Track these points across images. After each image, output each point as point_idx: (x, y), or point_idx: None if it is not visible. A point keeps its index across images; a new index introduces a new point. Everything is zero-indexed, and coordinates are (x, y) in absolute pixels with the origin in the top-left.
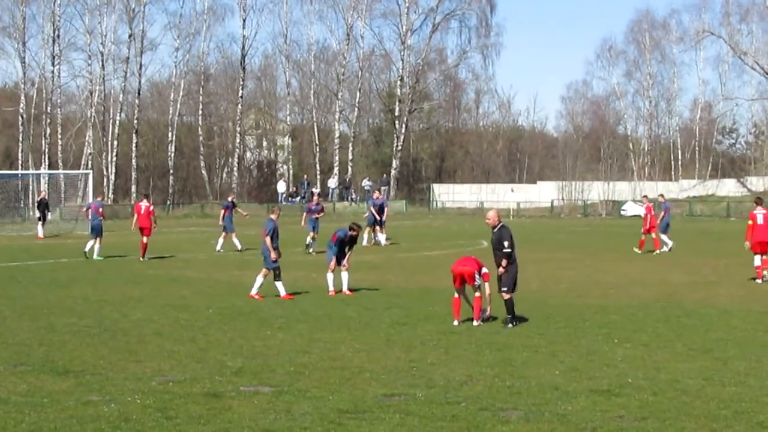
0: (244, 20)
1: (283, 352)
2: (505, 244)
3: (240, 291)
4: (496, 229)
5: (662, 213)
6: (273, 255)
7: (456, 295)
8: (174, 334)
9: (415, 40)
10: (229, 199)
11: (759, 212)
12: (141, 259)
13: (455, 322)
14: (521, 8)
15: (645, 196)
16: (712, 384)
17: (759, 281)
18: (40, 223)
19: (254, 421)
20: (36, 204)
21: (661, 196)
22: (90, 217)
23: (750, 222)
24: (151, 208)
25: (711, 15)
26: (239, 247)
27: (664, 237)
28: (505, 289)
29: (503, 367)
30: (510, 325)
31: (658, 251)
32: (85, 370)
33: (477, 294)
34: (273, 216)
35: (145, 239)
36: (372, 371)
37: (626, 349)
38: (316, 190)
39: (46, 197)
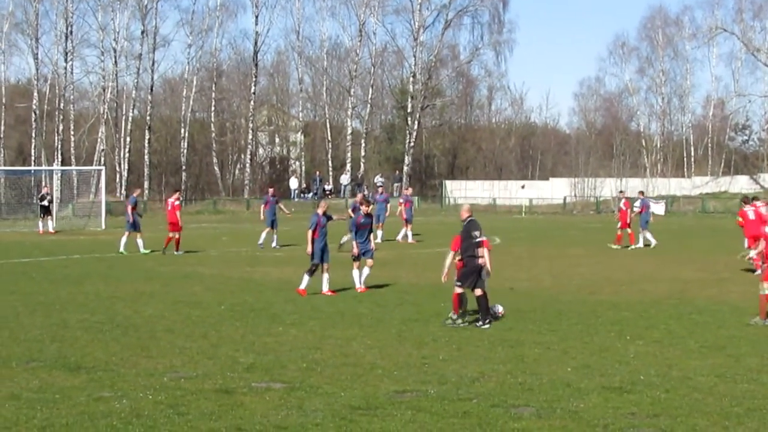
0: (257, 16)
1: (294, 349)
2: (476, 234)
3: (252, 287)
4: (465, 222)
5: (640, 209)
6: (308, 248)
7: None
8: (186, 330)
9: (428, 37)
10: (268, 194)
11: (749, 209)
12: (175, 252)
13: (454, 316)
14: (534, 4)
15: (621, 192)
16: (725, 381)
17: (758, 272)
18: (42, 219)
19: (266, 418)
20: (39, 199)
21: (641, 192)
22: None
23: (740, 219)
24: (177, 203)
25: (724, 11)
26: (260, 241)
27: (648, 235)
28: (459, 283)
29: (515, 363)
30: (485, 325)
31: (633, 246)
32: (97, 366)
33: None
34: (319, 210)
35: (175, 234)
36: (384, 368)
37: (638, 346)
38: (380, 181)
39: (48, 192)
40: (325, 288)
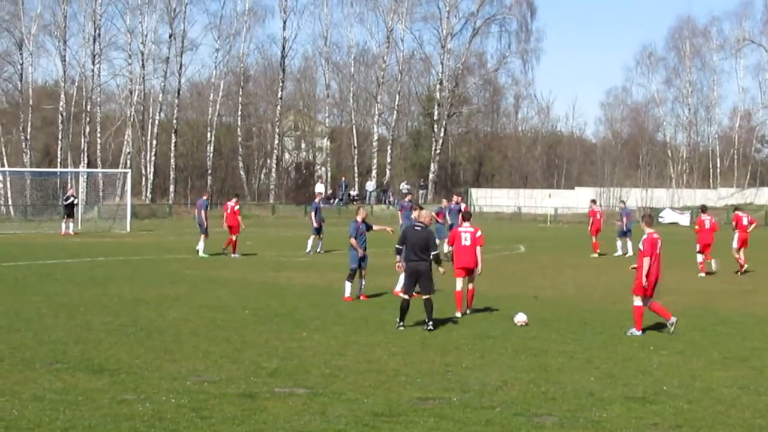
0: (285, 22)
1: (318, 354)
2: (430, 246)
3: (276, 292)
4: (421, 229)
5: (624, 219)
6: (359, 252)
7: (459, 288)
8: (209, 334)
9: (455, 44)
10: (316, 200)
11: (705, 218)
12: (232, 255)
13: (458, 314)
14: (561, 13)
15: (593, 201)
16: (748, 393)
17: (702, 275)
18: (65, 220)
19: (288, 423)
20: (63, 200)
21: (623, 202)
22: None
23: (697, 227)
24: (236, 207)
25: (752, 23)
26: (307, 249)
27: (620, 243)
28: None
29: (538, 372)
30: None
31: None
32: (120, 368)
33: (471, 285)
34: (358, 218)
35: (233, 237)
36: (407, 375)
37: (662, 356)
38: (405, 188)
39: (74, 194)
40: (361, 291)
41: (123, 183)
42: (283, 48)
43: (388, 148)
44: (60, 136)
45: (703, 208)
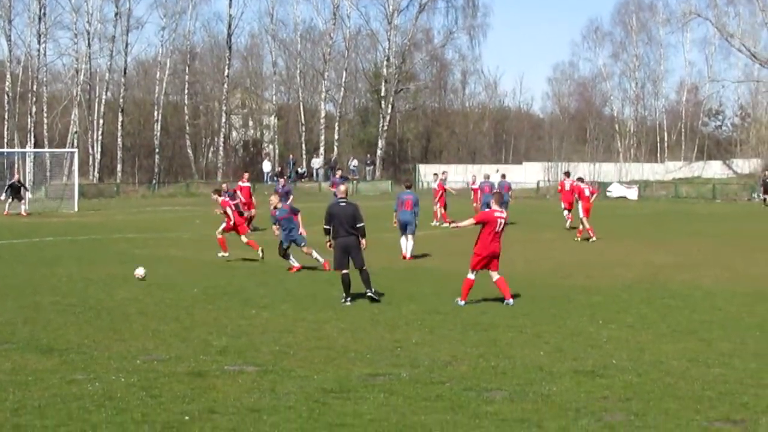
0: None
1: (267, 332)
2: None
3: (224, 271)
4: (347, 204)
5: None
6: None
7: (471, 276)
8: (159, 313)
9: (402, 20)
10: (337, 175)
11: (567, 181)
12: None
13: (462, 302)
14: None
15: (435, 174)
16: (697, 365)
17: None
18: (10, 202)
19: (239, 400)
20: (8, 186)
21: (503, 175)
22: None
23: (559, 188)
24: (248, 183)
25: None
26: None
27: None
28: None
29: (488, 347)
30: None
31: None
32: (70, 348)
33: (497, 276)
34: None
35: (251, 212)
36: (356, 351)
37: (611, 330)
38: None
39: (20, 180)
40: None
41: (70, 163)
42: (230, 26)
43: (336, 125)
44: (6, 117)
45: (567, 174)
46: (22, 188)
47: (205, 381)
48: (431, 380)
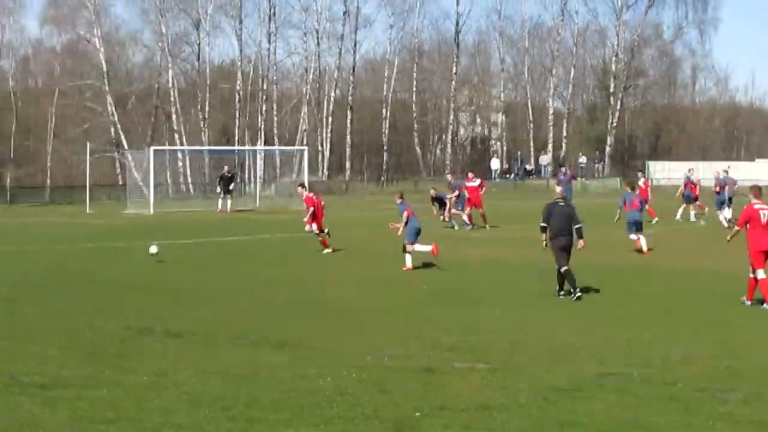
0: None
1: (497, 329)
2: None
3: (454, 267)
4: (565, 204)
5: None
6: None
7: (761, 275)
8: (389, 310)
9: (631, 16)
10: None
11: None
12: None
13: (747, 302)
14: None
15: (726, 171)
16: None
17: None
18: (221, 198)
19: (469, 398)
20: (218, 178)
21: (726, 171)
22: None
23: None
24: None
25: None
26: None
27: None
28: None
29: (721, 347)
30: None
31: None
32: (302, 344)
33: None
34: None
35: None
36: (587, 349)
37: None
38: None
39: (228, 173)
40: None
41: (300, 160)
42: (457, 23)
43: (564, 121)
44: (237, 115)
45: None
46: (232, 182)
47: (436, 378)
48: (663, 380)
